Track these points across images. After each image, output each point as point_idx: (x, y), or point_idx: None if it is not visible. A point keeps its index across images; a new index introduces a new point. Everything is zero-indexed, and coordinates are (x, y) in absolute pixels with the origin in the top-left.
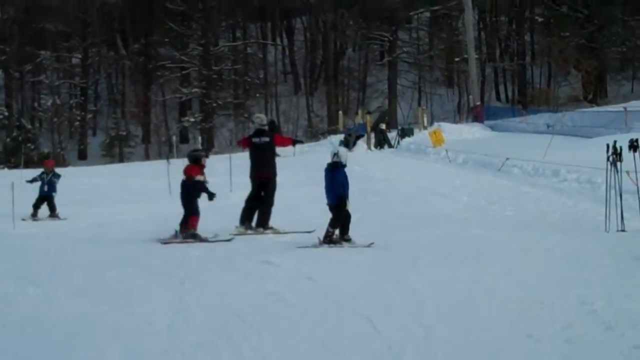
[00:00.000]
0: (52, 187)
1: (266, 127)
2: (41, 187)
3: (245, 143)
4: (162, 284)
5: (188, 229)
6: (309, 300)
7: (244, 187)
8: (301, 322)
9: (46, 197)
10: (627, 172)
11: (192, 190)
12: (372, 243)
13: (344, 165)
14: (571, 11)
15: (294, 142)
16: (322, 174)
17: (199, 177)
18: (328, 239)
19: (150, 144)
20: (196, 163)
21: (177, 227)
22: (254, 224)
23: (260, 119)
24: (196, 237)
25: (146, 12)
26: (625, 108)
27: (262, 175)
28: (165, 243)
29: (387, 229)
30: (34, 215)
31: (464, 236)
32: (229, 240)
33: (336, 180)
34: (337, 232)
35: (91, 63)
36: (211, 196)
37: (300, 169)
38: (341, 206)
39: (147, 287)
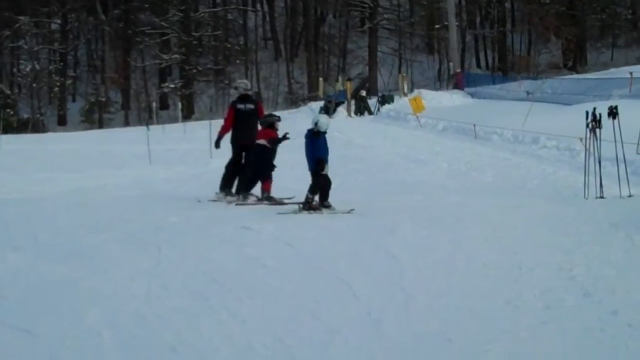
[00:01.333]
0: None
1: (250, 93)
2: None
3: (231, 113)
4: (140, 250)
5: (264, 190)
6: (288, 265)
7: (224, 154)
8: (280, 288)
9: None
10: (580, 139)
11: (265, 154)
12: (352, 209)
13: (325, 133)
14: None
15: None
16: (302, 141)
17: (262, 141)
18: (307, 206)
19: (130, 110)
20: (270, 127)
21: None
22: (233, 190)
23: (245, 84)
24: (271, 200)
25: None
26: (631, 73)
27: (244, 143)
28: (239, 204)
29: (366, 196)
30: None
31: (443, 202)
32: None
33: (316, 146)
34: (316, 198)
35: (70, 28)
36: (284, 138)
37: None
38: (319, 171)
39: (125, 252)
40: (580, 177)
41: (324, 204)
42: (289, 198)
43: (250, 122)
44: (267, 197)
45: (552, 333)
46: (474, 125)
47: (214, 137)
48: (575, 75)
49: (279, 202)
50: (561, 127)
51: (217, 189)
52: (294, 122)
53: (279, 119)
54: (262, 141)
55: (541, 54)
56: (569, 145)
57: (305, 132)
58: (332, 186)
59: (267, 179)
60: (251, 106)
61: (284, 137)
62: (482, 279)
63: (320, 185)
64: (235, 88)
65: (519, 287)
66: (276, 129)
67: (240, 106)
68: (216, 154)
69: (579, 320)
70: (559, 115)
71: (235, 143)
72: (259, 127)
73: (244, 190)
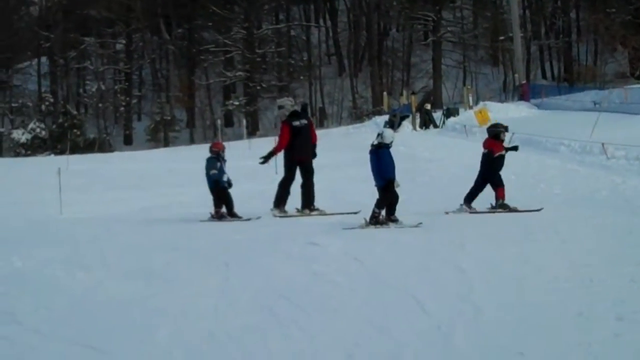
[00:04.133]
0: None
1: (298, 108)
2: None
3: (287, 130)
4: (208, 267)
5: (498, 199)
6: (356, 280)
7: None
8: (349, 303)
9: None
10: (602, 144)
11: (494, 163)
12: (420, 223)
13: (388, 146)
14: None
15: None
16: (367, 155)
17: (500, 152)
18: (374, 220)
19: (194, 128)
20: (496, 138)
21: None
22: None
23: (290, 100)
24: (505, 207)
25: None
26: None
27: (301, 159)
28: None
29: (434, 209)
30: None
31: (512, 215)
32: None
33: (382, 161)
34: (383, 212)
35: (135, 48)
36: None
37: (345, 150)
38: (388, 187)
39: (193, 270)
40: None
41: (391, 218)
42: (355, 212)
43: (306, 138)
44: (501, 205)
45: (626, 346)
46: (541, 137)
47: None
48: None
49: (514, 210)
50: (630, 137)
51: (272, 206)
52: (359, 137)
53: (505, 129)
54: (487, 150)
55: (607, 64)
56: (639, 155)
57: (369, 147)
58: (399, 200)
59: (500, 187)
60: (305, 122)
61: (513, 148)
62: (552, 292)
63: (388, 200)
64: (281, 107)
65: (590, 299)
66: (502, 140)
67: (296, 123)
68: (281, 170)
69: None
70: (627, 126)
71: (292, 159)
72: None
73: (312, 204)
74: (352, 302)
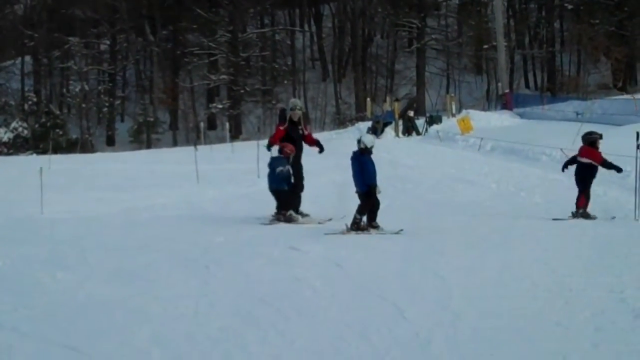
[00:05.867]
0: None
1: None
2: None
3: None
4: (188, 270)
5: (579, 207)
6: (336, 286)
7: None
8: (328, 308)
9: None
10: (561, 149)
11: (589, 172)
12: (401, 230)
13: (370, 152)
14: None
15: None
16: (349, 161)
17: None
18: (355, 226)
19: (178, 130)
20: (591, 145)
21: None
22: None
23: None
24: (588, 216)
25: None
26: (633, 96)
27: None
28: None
29: (414, 216)
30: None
31: (492, 223)
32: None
33: (365, 167)
34: (364, 219)
35: (119, 49)
36: (618, 170)
37: (327, 155)
38: (370, 193)
39: (174, 272)
40: (631, 198)
41: (372, 224)
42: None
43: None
44: (582, 214)
45: (604, 356)
46: (524, 145)
47: (261, 157)
48: (626, 96)
49: (593, 217)
50: (611, 147)
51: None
52: (342, 143)
53: (600, 136)
54: (585, 160)
55: (590, 75)
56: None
57: (350, 153)
58: (381, 207)
59: (582, 195)
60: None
61: (617, 168)
62: (531, 301)
63: (369, 206)
64: (293, 109)
65: (569, 308)
66: (597, 147)
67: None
68: (263, 174)
69: (631, 342)
70: (609, 136)
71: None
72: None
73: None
74: (331, 307)
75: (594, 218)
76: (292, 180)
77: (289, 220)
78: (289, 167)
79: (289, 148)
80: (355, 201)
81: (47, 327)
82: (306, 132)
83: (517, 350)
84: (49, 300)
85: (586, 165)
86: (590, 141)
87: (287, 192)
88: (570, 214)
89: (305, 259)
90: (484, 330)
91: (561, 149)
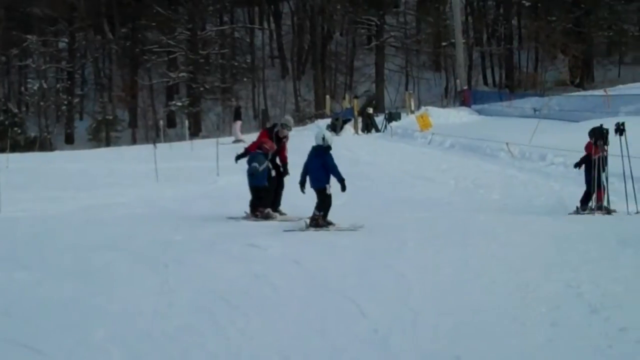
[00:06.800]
0: None
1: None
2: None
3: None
4: (147, 268)
5: (598, 201)
6: (295, 283)
7: (231, 172)
8: (287, 305)
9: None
10: (507, 143)
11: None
12: (361, 226)
13: (331, 148)
14: None
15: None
16: (301, 157)
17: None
18: (314, 222)
19: (137, 128)
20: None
21: None
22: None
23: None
24: (603, 209)
25: None
26: (605, 91)
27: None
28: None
29: (373, 213)
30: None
31: (450, 220)
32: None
33: (331, 164)
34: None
35: (78, 47)
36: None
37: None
38: (326, 190)
39: (132, 270)
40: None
41: (327, 221)
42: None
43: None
44: (599, 207)
45: (560, 350)
46: (482, 142)
47: (220, 155)
48: (582, 92)
49: (611, 211)
50: (568, 143)
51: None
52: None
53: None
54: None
55: (548, 71)
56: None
57: (309, 150)
58: (339, 203)
59: (600, 190)
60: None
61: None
62: (489, 297)
63: (328, 202)
64: (286, 126)
65: (526, 304)
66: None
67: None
68: (222, 172)
69: (587, 337)
70: (566, 132)
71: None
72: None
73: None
74: (290, 304)
75: (613, 211)
76: (273, 176)
77: (267, 217)
78: (267, 163)
79: (269, 145)
80: (302, 198)
81: (4, 326)
82: (285, 152)
83: (475, 346)
84: (7, 300)
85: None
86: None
87: (266, 189)
88: (588, 209)
89: (265, 256)
90: (443, 327)
91: (506, 144)
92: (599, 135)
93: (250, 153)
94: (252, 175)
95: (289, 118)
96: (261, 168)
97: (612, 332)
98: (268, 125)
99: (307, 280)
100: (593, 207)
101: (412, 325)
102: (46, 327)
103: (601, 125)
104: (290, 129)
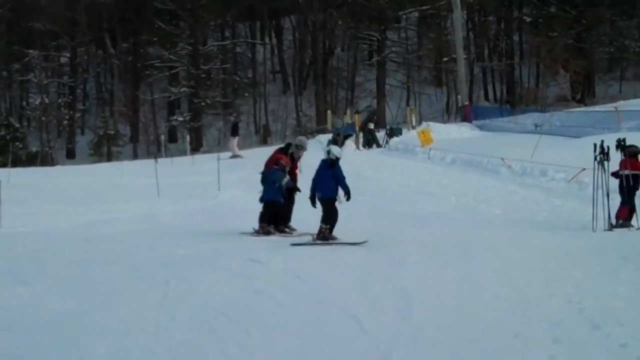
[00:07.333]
0: None
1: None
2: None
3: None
4: (148, 283)
5: (619, 217)
6: (296, 298)
7: (232, 186)
8: (288, 321)
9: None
10: (503, 159)
11: (634, 183)
12: (365, 241)
13: (339, 159)
14: (559, 11)
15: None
16: (309, 173)
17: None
18: (321, 236)
19: (138, 143)
20: (634, 157)
21: None
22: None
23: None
24: (626, 226)
25: (135, 11)
26: (616, 108)
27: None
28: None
29: (375, 228)
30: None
31: (452, 235)
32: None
33: (340, 175)
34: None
35: (80, 62)
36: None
37: None
38: (332, 202)
39: (133, 286)
40: (589, 209)
41: (331, 235)
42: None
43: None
44: (622, 224)
45: None
46: (483, 157)
47: (221, 170)
48: (584, 108)
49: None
50: (570, 159)
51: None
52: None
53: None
54: (629, 172)
55: (549, 87)
56: (578, 177)
57: (317, 163)
58: (341, 218)
59: (626, 206)
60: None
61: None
62: (491, 312)
63: (334, 214)
64: (301, 147)
65: (527, 320)
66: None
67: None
68: (224, 187)
69: (588, 353)
70: (568, 148)
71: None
72: None
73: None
74: (291, 319)
75: (635, 228)
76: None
77: (267, 233)
78: (288, 177)
79: (285, 160)
80: (312, 212)
81: (5, 342)
82: (296, 170)
83: None
84: (7, 315)
85: (631, 177)
86: (634, 153)
87: (280, 204)
88: (607, 226)
89: (266, 271)
90: (444, 343)
91: (502, 159)
92: (634, 154)
93: (269, 170)
94: (273, 183)
95: (303, 139)
96: (285, 180)
97: (613, 349)
98: (270, 138)
99: (309, 295)
100: (614, 224)
101: (414, 341)
102: (47, 342)
103: (631, 145)
104: (305, 150)
